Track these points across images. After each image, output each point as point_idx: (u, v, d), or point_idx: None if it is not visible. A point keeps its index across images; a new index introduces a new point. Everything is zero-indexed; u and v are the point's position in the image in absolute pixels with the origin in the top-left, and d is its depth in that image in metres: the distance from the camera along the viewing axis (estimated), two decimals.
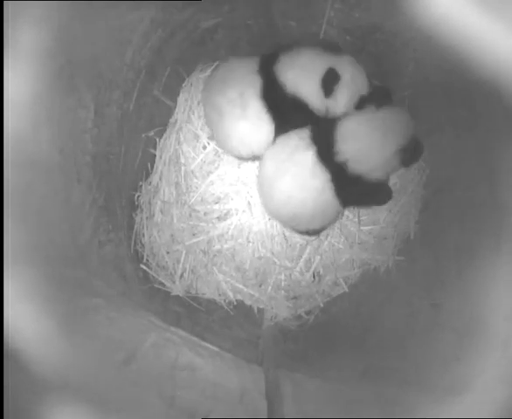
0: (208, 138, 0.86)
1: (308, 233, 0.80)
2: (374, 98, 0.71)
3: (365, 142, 0.69)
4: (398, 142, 0.69)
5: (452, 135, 0.72)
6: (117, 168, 0.75)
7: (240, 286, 0.82)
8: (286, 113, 0.75)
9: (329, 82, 0.71)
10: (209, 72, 0.86)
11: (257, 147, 0.78)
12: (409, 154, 0.70)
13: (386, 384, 0.58)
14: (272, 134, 0.77)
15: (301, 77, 0.73)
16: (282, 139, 0.75)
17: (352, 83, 0.72)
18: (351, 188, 0.72)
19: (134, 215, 0.82)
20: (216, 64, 0.85)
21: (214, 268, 0.83)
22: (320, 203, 0.72)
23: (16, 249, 0.46)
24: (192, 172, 0.86)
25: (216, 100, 0.77)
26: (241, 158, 0.82)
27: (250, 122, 0.75)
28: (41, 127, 0.53)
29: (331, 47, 0.75)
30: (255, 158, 0.81)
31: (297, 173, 0.71)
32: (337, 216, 0.79)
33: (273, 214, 0.80)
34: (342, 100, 0.73)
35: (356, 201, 0.78)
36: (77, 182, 0.63)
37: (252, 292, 0.82)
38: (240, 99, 0.75)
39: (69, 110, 0.60)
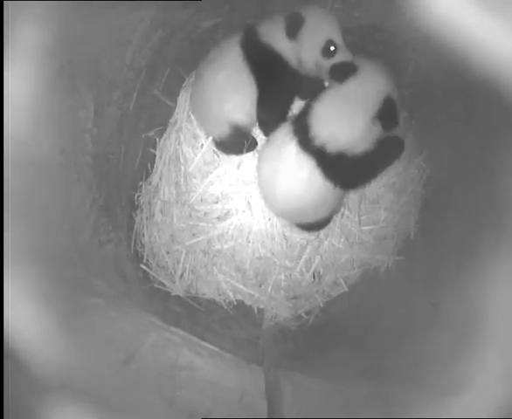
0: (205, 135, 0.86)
1: (319, 225, 0.80)
2: (336, 73, 0.70)
3: (335, 123, 0.69)
4: (369, 111, 0.68)
5: (451, 135, 0.72)
6: (117, 168, 0.75)
7: (240, 286, 0.82)
8: (263, 65, 0.75)
9: (292, 24, 0.71)
10: None
11: (239, 108, 0.77)
12: (385, 117, 0.69)
13: (386, 384, 0.58)
14: (253, 91, 0.76)
15: (271, 24, 0.74)
16: (271, 138, 0.75)
17: (318, 27, 0.72)
18: (340, 168, 0.71)
19: (134, 215, 0.82)
20: None
21: (214, 268, 0.83)
22: (315, 192, 0.72)
23: (16, 249, 0.46)
24: (192, 172, 0.86)
25: (200, 66, 0.78)
26: (225, 137, 0.80)
27: (230, 74, 0.75)
28: (41, 127, 0.53)
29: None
30: (239, 135, 0.80)
31: (286, 169, 0.71)
32: (341, 200, 0.78)
33: (280, 214, 0.80)
34: (306, 44, 0.72)
35: (355, 177, 0.75)
36: (77, 182, 0.63)
37: (252, 292, 0.82)
38: (220, 51, 0.76)
39: (69, 110, 0.60)
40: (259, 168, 0.77)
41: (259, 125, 0.81)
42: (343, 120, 0.69)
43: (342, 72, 0.69)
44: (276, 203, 0.76)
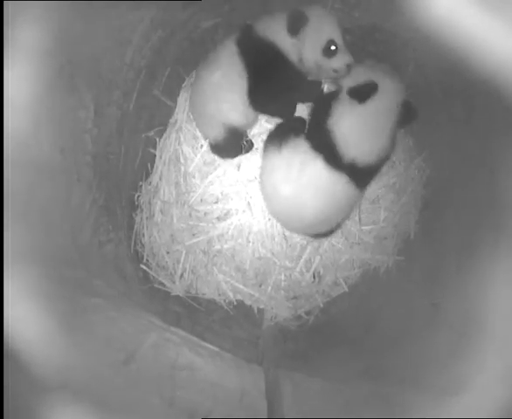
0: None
1: (332, 231, 0.80)
2: (358, 94, 0.70)
3: (363, 139, 0.70)
4: (392, 120, 0.70)
5: (451, 135, 0.72)
6: (117, 168, 0.75)
7: (240, 286, 0.82)
8: (260, 60, 0.74)
9: (295, 22, 0.71)
10: None
11: (234, 110, 0.77)
12: (406, 120, 0.72)
13: (386, 384, 0.58)
14: (244, 87, 0.75)
15: (271, 21, 0.74)
16: (273, 154, 0.74)
17: (320, 27, 0.72)
18: (369, 176, 0.74)
19: (134, 215, 0.82)
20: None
21: (214, 268, 0.83)
22: (344, 201, 0.73)
23: (16, 248, 0.46)
24: (192, 172, 0.86)
25: (199, 72, 0.79)
26: (221, 141, 0.80)
27: (223, 69, 0.75)
28: (41, 127, 0.53)
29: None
30: (234, 138, 0.80)
31: (314, 187, 0.71)
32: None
33: (305, 231, 0.80)
34: (308, 42, 0.72)
35: (377, 172, 0.77)
36: (77, 182, 0.63)
37: (252, 292, 0.82)
38: (217, 52, 0.76)
39: (69, 110, 0.60)
40: (272, 189, 0.75)
41: (250, 99, 0.77)
42: (370, 135, 0.70)
43: (365, 93, 0.69)
44: (304, 223, 0.75)
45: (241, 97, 0.76)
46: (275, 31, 0.73)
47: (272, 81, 0.75)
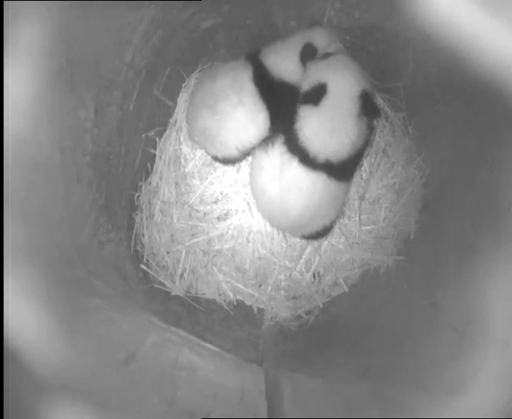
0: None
1: (324, 232, 0.80)
2: (309, 98, 0.70)
3: (329, 138, 0.70)
4: (354, 112, 0.69)
5: (451, 135, 0.72)
6: (117, 168, 0.75)
7: (240, 286, 0.82)
8: (276, 97, 0.76)
9: (307, 56, 0.73)
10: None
11: (254, 139, 0.77)
12: (368, 110, 0.70)
13: (386, 384, 0.58)
14: (267, 124, 0.77)
15: (281, 59, 0.75)
16: (260, 155, 0.75)
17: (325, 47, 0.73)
18: (349, 168, 0.74)
19: (134, 215, 0.82)
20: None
21: (214, 268, 0.83)
22: (328, 197, 0.73)
23: (16, 248, 0.46)
24: (192, 172, 0.86)
25: (208, 90, 0.77)
26: (230, 157, 0.81)
27: (246, 109, 0.75)
28: (41, 127, 0.53)
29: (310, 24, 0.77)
30: (245, 155, 0.81)
31: (296, 187, 0.71)
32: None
33: (294, 231, 0.80)
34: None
35: (356, 163, 0.78)
36: (77, 181, 0.63)
37: (252, 292, 0.82)
38: (235, 83, 0.76)
39: (69, 110, 0.60)
40: (260, 190, 0.76)
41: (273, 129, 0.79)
42: (334, 134, 0.70)
43: (314, 97, 0.69)
44: (291, 222, 0.75)
45: (263, 129, 0.77)
46: (288, 70, 0.75)
47: (290, 110, 0.75)
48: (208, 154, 0.84)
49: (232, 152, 0.79)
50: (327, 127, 0.70)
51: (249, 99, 0.75)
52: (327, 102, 0.69)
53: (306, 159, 0.70)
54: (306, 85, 0.71)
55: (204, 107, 0.78)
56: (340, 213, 0.80)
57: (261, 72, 0.75)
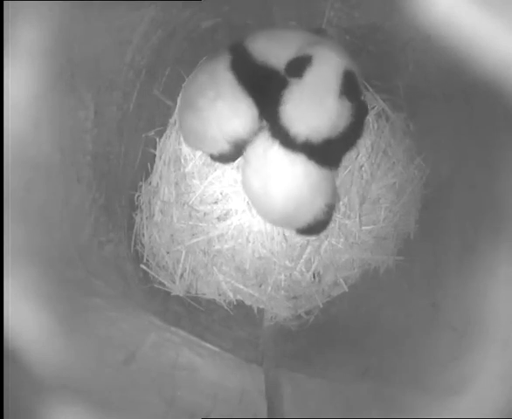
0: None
1: (319, 225, 0.79)
2: (293, 69, 0.69)
3: (310, 115, 0.69)
4: (335, 90, 0.68)
5: (451, 135, 0.72)
6: (117, 168, 0.75)
7: (240, 286, 0.82)
8: (259, 84, 0.74)
9: (299, 65, 0.69)
10: None
11: (241, 129, 0.76)
12: (349, 90, 0.69)
13: (386, 384, 0.58)
14: (254, 112, 0.75)
15: (274, 43, 0.73)
16: (248, 148, 0.75)
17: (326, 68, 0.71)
18: (330, 151, 0.72)
19: (134, 215, 0.82)
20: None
21: (214, 268, 0.83)
22: (310, 184, 0.72)
23: (16, 248, 0.46)
24: (192, 172, 0.86)
25: (189, 91, 0.78)
26: (226, 153, 0.79)
27: (226, 100, 0.74)
28: (41, 127, 0.53)
29: (316, 31, 0.75)
30: (240, 149, 0.79)
31: (278, 174, 0.71)
32: (334, 185, 0.78)
33: (280, 221, 0.79)
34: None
35: (341, 150, 0.76)
36: (77, 181, 0.63)
37: (252, 292, 0.82)
38: (211, 77, 0.75)
39: (69, 110, 0.60)
40: (248, 184, 0.76)
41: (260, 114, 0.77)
42: (315, 109, 0.69)
43: (299, 67, 0.69)
44: (278, 214, 0.75)
45: (248, 118, 0.75)
46: (276, 56, 0.72)
47: (275, 95, 0.74)
48: (205, 153, 0.84)
49: (225, 147, 0.78)
50: (308, 103, 0.69)
51: (227, 89, 0.74)
52: (310, 76, 0.68)
53: (286, 140, 0.69)
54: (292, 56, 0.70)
55: (186, 109, 0.79)
56: (332, 206, 0.78)
57: (241, 58, 0.74)
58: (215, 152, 0.81)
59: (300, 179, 0.71)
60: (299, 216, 0.76)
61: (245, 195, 0.82)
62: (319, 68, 0.69)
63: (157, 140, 0.86)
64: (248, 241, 0.84)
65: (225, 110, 0.75)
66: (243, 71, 0.74)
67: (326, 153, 0.71)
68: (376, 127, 0.87)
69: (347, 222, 0.83)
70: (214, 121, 0.76)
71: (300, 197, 0.72)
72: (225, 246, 0.83)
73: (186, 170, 0.86)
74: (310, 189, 0.72)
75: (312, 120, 0.69)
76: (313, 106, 0.69)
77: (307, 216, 0.76)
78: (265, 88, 0.74)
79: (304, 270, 0.83)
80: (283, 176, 0.71)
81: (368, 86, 0.83)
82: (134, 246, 0.80)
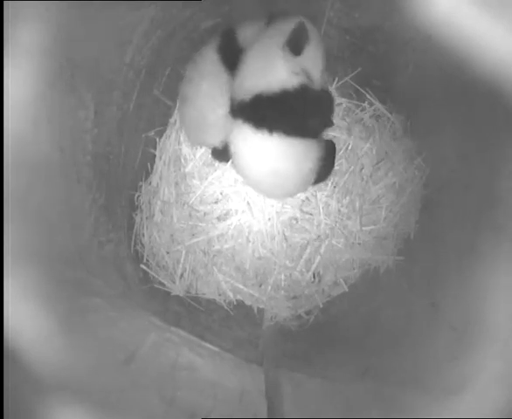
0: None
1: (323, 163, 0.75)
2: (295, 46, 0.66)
3: (249, 69, 0.68)
4: (279, 42, 0.65)
5: (452, 135, 0.72)
6: (117, 168, 0.75)
7: (240, 286, 0.82)
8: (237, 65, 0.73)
9: (299, 40, 0.66)
10: None
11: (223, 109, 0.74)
12: (293, 42, 0.65)
13: (386, 384, 0.58)
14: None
15: (251, 28, 0.73)
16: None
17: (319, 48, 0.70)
18: (266, 112, 0.67)
19: (134, 215, 0.82)
20: None
21: (214, 268, 0.83)
22: (288, 155, 0.70)
23: (16, 248, 0.46)
24: (192, 172, 0.86)
25: (182, 87, 0.78)
26: (225, 146, 0.78)
27: (210, 81, 0.74)
28: (41, 127, 0.53)
29: None
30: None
31: (235, 147, 0.70)
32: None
33: (285, 194, 0.79)
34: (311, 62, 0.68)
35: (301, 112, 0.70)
36: (77, 181, 0.63)
37: (252, 292, 0.82)
38: (198, 64, 0.75)
39: (69, 110, 0.60)
40: (241, 173, 0.76)
41: None
42: (256, 62, 0.67)
43: (300, 44, 0.65)
44: (269, 188, 0.74)
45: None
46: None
47: None
48: (208, 148, 0.84)
49: (221, 138, 0.77)
50: (253, 63, 0.67)
51: (211, 68, 0.74)
52: (260, 41, 0.68)
53: (233, 108, 0.68)
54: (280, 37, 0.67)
55: (181, 102, 0.79)
56: (322, 159, 0.73)
57: (229, 41, 0.74)
58: (217, 142, 0.80)
59: (252, 148, 0.69)
60: (289, 186, 0.74)
61: (252, 197, 0.83)
62: (270, 32, 0.67)
63: (157, 140, 0.86)
64: (248, 241, 0.84)
65: (211, 89, 0.74)
66: (227, 53, 0.74)
67: (258, 113, 0.67)
68: (376, 127, 0.87)
69: (347, 222, 0.83)
70: (206, 105, 0.75)
71: (281, 169, 0.70)
72: (225, 246, 0.83)
73: (186, 170, 0.86)
74: (288, 160, 0.69)
75: (248, 73, 0.67)
76: (256, 68, 0.67)
77: (298, 182, 0.74)
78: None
79: (304, 270, 0.83)
80: (239, 149, 0.70)
81: (367, 89, 0.84)
82: (134, 246, 0.80)
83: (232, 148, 0.72)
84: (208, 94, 0.75)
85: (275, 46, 0.66)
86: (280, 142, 0.68)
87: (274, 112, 0.67)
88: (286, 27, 0.66)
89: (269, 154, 0.69)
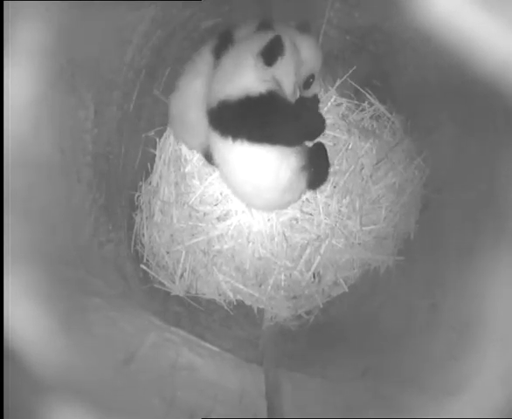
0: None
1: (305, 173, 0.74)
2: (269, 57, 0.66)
3: (221, 76, 0.68)
4: (253, 51, 0.66)
5: (451, 135, 0.72)
6: (117, 168, 0.75)
7: (240, 286, 0.82)
8: None
9: (272, 51, 0.66)
10: None
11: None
12: (268, 52, 0.65)
13: (386, 384, 0.58)
14: None
15: (246, 30, 0.74)
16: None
17: (306, 60, 0.72)
18: (234, 118, 0.67)
19: (134, 215, 0.82)
20: None
21: (214, 268, 0.83)
22: (265, 165, 0.69)
23: (16, 248, 0.46)
24: (191, 172, 0.86)
25: (177, 84, 0.78)
26: (201, 142, 0.79)
27: (203, 80, 0.74)
28: (42, 128, 0.53)
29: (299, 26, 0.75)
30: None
31: (232, 164, 0.70)
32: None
33: (272, 207, 0.79)
34: (285, 72, 0.69)
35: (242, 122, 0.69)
36: (77, 181, 0.63)
37: (252, 292, 0.82)
38: (195, 61, 0.76)
39: (69, 110, 0.60)
40: (229, 185, 0.76)
41: None
42: (227, 68, 0.68)
43: (273, 55, 0.66)
44: (255, 199, 0.74)
45: None
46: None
47: None
48: (189, 148, 0.85)
49: (203, 140, 0.77)
50: (225, 69, 0.67)
51: (204, 68, 0.74)
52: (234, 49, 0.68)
53: (207, 114, 0.68)
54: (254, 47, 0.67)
55: (172, 92, 0.79)
56: (299, 169, 0.72)
57: (225, 43, 0.73)
58: (196, 144, 0.80)
59: (242, 161, 0.68)
60: (268, 196, 0.73)
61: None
62: (248, 41, 0.67)
63: (157, 140, 0.86)
64: (248, 241, 0.84)
65: (201, 88, 0.74)
66: (221, 55, 0.73)
67: (224, 118, 0.67)
68: (376, 127, 0.87)
69: (347, 222, 0.83)
70: (191, 102, 0.75)
71: (254, 179, 0.69)
72: (225, 246, 0.83)
73: (186, 170, 0.86)
74: (259, 169, 0.69)
75: (224, 84, 0.67)
76: (226, 74, 0.67)
77: (278, 193, 0.72)
78: None
79: (304, 270, 0.83)
80: (230, 163, 0.69)
81: (367, 89, 0.84)
82: (134, 246, 0.80)
83: (214, 156, 0.72)
84: (196, 92, 0.75)
85: (249, 54, 0.66)
86: (246, 150, 0.67)
87: (237, 119, 0.66)
88: (264, 38, 0.66)
89: (238, 163, 0.68)
